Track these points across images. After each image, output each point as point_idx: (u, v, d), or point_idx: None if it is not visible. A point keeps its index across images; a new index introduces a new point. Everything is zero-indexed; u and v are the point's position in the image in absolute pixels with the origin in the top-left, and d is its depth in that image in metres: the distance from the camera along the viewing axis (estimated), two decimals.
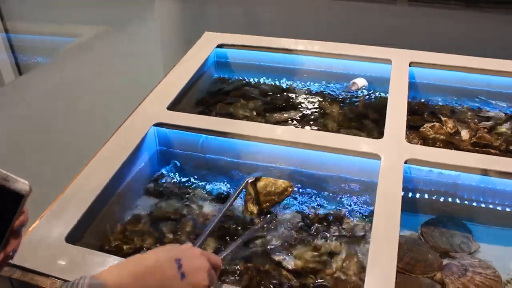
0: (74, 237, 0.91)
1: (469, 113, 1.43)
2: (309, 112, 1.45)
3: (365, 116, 1.42)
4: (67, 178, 1.05)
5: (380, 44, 1.58)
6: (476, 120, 1.39)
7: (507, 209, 1.10)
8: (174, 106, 1.32)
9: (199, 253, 0.69)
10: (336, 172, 1.16)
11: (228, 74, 1.66)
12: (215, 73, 1.67)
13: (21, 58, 2.41)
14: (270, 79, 1.63)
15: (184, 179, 1.20)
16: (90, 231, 0.98)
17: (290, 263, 0.96)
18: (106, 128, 1.25)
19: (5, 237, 0.58)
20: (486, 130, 1.34)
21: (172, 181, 1.19)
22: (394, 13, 2.61)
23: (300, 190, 1.15)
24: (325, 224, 1.05)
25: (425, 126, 1.34)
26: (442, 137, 1.30)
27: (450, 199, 1.13)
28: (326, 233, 1.03)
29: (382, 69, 1.51)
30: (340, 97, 1.52)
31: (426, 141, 1.29)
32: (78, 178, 1.04)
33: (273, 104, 1.49)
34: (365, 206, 1.10)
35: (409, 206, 1.09)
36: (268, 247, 0.99)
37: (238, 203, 1.09)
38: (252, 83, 1.62)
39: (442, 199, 1.13)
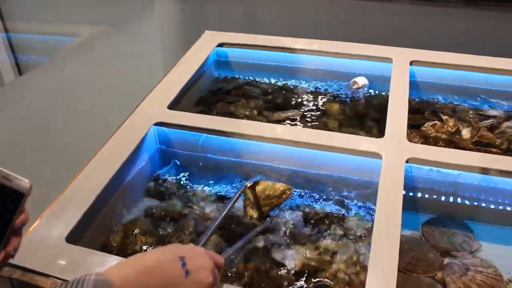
0: (74, 237, 0.91)
1: (470, 112, 1.43)
2: (309, 111, 1.44)
3: (366, 115, 1.41)
4: (67, 178, 1.05)
5: (381, 42, 1.58)
6: (477, 118, 1.39)
7: (508, 208, 1.10)
8: (174, 105, 1.32)
9: (203, 252, 0.70)
10: (336, 171, 1.16)
11: (228, 73, 1.66)
12: (215, 72, 1.66)
13: (21, 58, 2.41)
14: (270, 78, 1.62)
15: (184, 179, 1.19)
16: (90, 231, 0.98)
17: (291, 262, 0.95)
18: (106, 128, 1.25)
19: (5, 236, 0.58)
20: (487, 128, 1.34)
21: (173, 180, 1.19)
22: (395, 11, 2.61)
23: (301, 189, 1.14)
24: (326, 223, 1.05)
25: (426, 125, 1.34)
26: (443, 136, 1.30)
27: (451, 198, 1.12)
28: (327, 233, 1.03)
29: (383, 68, 1.51)
30: (341, 96, 1.52)
31: (427, 140, 1.29)
32: (78, 178, 1.03)
33: (274, 103, 1.49)
34: (366, 205, 1.10)
35: (410, 205, 1.09)
36: (269, 246, 0.99)
37: (238, 205, 1.08)
38: (253, 82, 1.62)
39: (443, 198, 1.13)
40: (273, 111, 1.44)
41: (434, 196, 1.13)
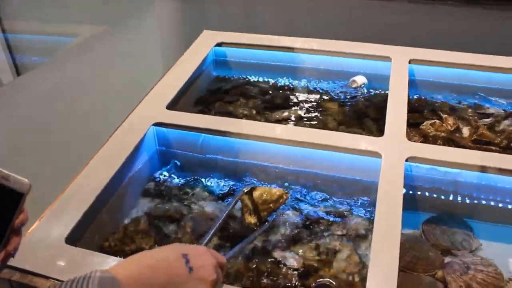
0: (74, 238, 0.91)
1: (469, 110, 1.42)
2: (309, 110, 1.44)
3: (365, 114, 1.41)
4: (67, 178, 1.05)
5: (380, 41, 1.58)
6: (476, 117, 1.39)
7: (508, 206, 1.10)
8: (173, 105, 1.32)
9: (205, 250, 0.70)
10: (336, 171, 1.16)
11: (227, 73, 1.66)
12: (214, 72, 1.66)
13: (19, 59, 2.41)
14: (269, 78, 1.62)
15: (184, 179, 1.19)
16: (90, 232, 0.98)
17: (291, 262, 0.95)
18: (106, 128, 1.25)
19: (6, 235, 0.58)
20: (486, 127, 1.34)
21: (172, 180, 1.19)
22: (394, 10, 2.61)
23: (300, 189, 1.14)
24: (326, 223, 1.05)
25: (425, 123, 1.34)
26: (442, 134, 1.30)
27: (451, 197, 1.12)
28: (327, 232, 1.03)
29: (382, 67, 1.51)
30: (340, 95, 1.51)
31: (426, 139, 1.29)
32: (78, 178, 1.03)
33: (273, 103, 1.49)
34: (366, 205, 1.10)
35: (410, 204, 1.09)
36: (269, 246, 0.99)
37: (238, 206, 1.08)
38: (252, 81, 1.62)
39: (443, 197, 1.13)
40: (272, 111, 1.44)
41: (434, 195, 1.13)
